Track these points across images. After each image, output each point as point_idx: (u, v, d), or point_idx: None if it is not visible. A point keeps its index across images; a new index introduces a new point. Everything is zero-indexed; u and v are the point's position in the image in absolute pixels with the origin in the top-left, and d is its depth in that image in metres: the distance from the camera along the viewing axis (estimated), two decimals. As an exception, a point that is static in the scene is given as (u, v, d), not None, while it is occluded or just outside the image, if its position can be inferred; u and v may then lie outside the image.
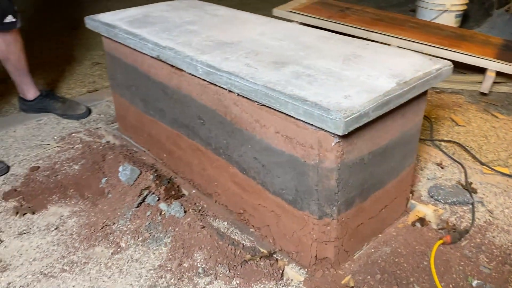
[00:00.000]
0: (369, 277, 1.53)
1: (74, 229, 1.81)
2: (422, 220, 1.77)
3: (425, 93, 1.59)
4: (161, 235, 1.73)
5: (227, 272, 1.56)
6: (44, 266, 1.63)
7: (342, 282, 1.52)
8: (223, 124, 1.70)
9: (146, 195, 1.89)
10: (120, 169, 2.03)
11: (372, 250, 1.64)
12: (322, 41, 1.81)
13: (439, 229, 1.80)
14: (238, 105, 1.59)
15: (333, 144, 1.32)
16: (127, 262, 1.64)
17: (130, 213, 1.84)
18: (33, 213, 1.92)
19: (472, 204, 1.91)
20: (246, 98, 1.50)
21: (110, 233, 1.77)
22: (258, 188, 1.67)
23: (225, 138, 1.72)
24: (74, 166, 2.19)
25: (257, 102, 1.47)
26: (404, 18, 3.44)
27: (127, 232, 1.76)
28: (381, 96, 1.33)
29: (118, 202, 1.91)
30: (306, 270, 1.58)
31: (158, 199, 1.89)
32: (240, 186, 1.76)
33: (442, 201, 1.92)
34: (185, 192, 2.02)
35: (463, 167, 2.16)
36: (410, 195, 1.89)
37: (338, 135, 1.30)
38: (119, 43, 2.09)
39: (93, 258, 1.66)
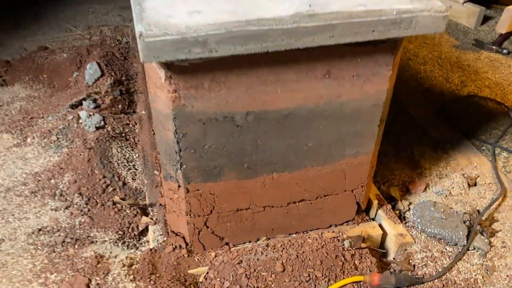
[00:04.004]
0: (218, 279, 1.11)
1: (13, 112, 1.75)
2: (357, 240, 1.20)
3: (390, 50, 0.99)
4: (64, 144, 1.54)
5: (83, 205, 1.30)
6: (-47, 134, 1.61)
7: (189, 271, 1.14)
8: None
9: (83, 99, 1.69)
10: (88, 66, 1.86)
11: (260, 249, 1.18)
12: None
13: (388, 262, 1.23)
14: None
15: (162, 79, 0.89)
16: (16, 158, 1.50)
17: (63, 112, 1.68)
18: (1, 86, 1.91)
19: (465, 247, 1.23)
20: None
21: (31, 126, 1.65)
22: (156, 123, 1.32)
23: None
24: (64, 54, 2.11)
25: None
26: None
27: (42, 129, 1.61)
28: (242, 23, 0.82)
29: (66, 99, 1.77)
30: (165, 239, 1.23)
31: (97, 107, 1.69)
32: (155, 117, 1.43)
33: (419, 228, 1.29)
34: (138, 110, 1.77)
35: (504, 194, 1.42)
36: (375, 201, 1.31)
37: (167, 67, 0.87)
38: None
39: (-6, 143, 1.58)
